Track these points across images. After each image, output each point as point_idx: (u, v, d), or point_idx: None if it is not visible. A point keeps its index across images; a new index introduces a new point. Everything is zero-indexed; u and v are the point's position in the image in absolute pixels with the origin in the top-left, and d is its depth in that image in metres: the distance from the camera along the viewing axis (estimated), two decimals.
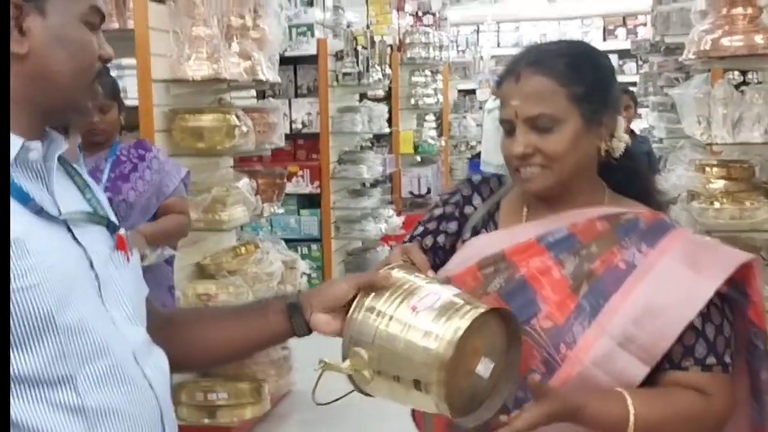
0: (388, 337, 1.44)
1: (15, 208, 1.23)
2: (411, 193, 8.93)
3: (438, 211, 1.92)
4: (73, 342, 1.26)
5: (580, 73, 1.70)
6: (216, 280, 4.24)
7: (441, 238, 1.89)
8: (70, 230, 1.32)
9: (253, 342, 1.64)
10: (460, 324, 1.40)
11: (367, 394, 1.51)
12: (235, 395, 4.16)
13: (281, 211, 5.16)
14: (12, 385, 1.20)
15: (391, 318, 1.45)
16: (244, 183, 4.32)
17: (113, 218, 1.46)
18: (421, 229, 1.92)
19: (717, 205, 3.73)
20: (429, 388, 1.40)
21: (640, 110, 9.07)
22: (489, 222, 1.85)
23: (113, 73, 3.99)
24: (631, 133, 6.20)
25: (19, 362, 1.21)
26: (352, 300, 1.49)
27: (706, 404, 1.63)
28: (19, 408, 1.22)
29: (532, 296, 1.67)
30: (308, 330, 1.54)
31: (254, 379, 4.34)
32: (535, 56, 1.72)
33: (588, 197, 1.75)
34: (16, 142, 1.27)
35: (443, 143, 9.80)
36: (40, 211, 1.27)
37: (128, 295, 1.41)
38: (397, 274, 1.53)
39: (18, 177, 1.27)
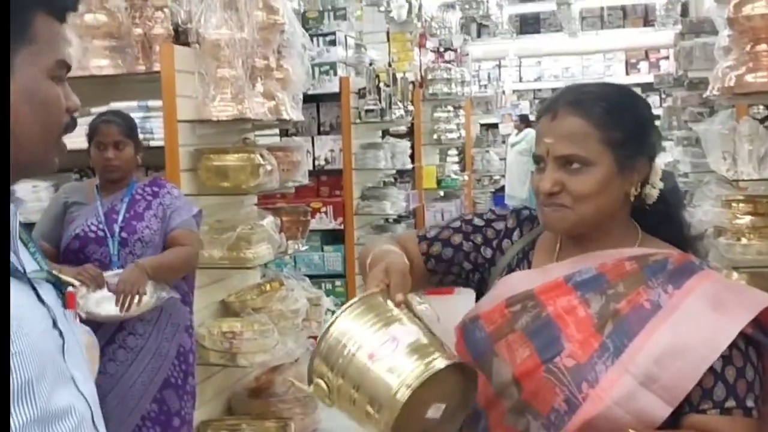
0: (350, 372, 1.49)
1: None
2: None
3: (479, 222, 1.94)
4: (47, 408, 1.22)
5: (617, 119, 1.70)
6: (241, 317, 4.26)
7: (468, 246, 1.91)
8: (34, 289, 1.29)
9: None
10: (410, 385, 1.46)
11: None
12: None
13: (306, 247, 5.17)
14: None
15: (353, 356, 1.50)
16: (269, 221, 4.35)
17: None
18: (444, 232, 1.93)
19: (744, 240, 3.70)
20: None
21: (665, 144, 9.07)
22: (523, 260, 1.87)
23: (140, 114, 4.06)
24: None
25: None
26: None
27: None
28: None
29: (556, 335, 1.67)
30: None
31: (280, 417, 4.34)
32: (574, 97, 1.73)
33: (619, 239, 1.76)
34: None
35: (466, 178, 9.81)
36: (13, 272, 1.23)
37: (81, 353, 1.37)
38: (372, 301, 1.57)
39: None
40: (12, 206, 1.26)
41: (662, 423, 1.62)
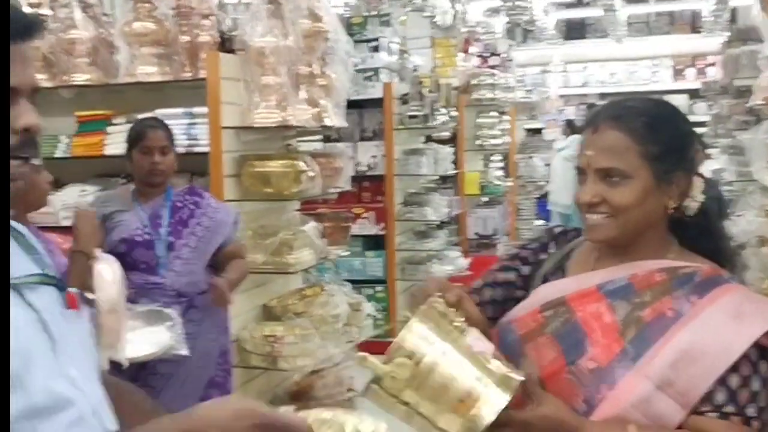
0: (439, 365, 1.54)
1: None
2: (477, 234, 8.93)
3: (515, 251, 2.04)
4: (38, 401, 1.25)
5: (656, 133, 1.75)
6: (282, 322, 4.30)
7: (512, 276, 1.99)
8: (20, 294, 1.31)
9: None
10: (508, 388, 1.55)
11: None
12: None
13: (347, 253, 5.21)
14: None
15: (444, 353, 1.55)
16: (311, 227, 4.40)
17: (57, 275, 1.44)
18: (488, 277, 2.03)
19: None
20: None
21: (711, 151, 8.97)
22: (558, 271, 1.92)
23: (185, 121, 4.13)
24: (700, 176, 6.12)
25: None
26: None
27: None
28: None
29: (581, 338, 1.74)
30: None
31: None
32: (615, 111, 1.79)
33: (654, 250, 1.80)
34: None
35: (510, 184, 9.79)
36: None
37: (83, 352, 1.41)
38: (441, 308, 1.66)
39: None
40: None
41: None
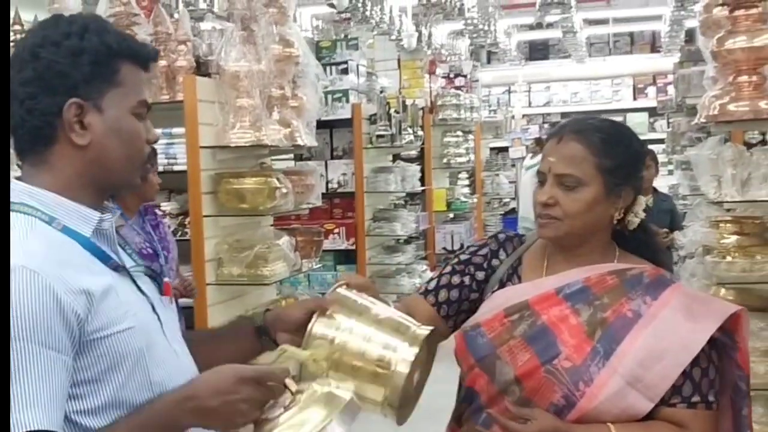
0: (347, 343, 1.67)
1: (100, 266, 1.51)
2: (444, 248, 9.13)
3: (465, 257, 2.19)
4: (156, 375, 1.52)
5: (611, 149, 1.98)
6: None
7: (467, 280, 2.15)
8: (134, 282, 1.58)
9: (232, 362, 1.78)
10: (416, 341, 1.68)
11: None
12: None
13: (319, 266, 5.38)
14: (112, 408, 1.46)
15: (350, 330, 1.69)
16: (285, 240, 4.56)
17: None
18: (442, 279, 2.18)
19: (729, 258, 3.90)
20: (387, 399, 1.65)
21: (670, 167, 9.26)
22: (513, 275, 2.12)
23: (164, 141, 4.31)
24: (654, 191, 6.39)
25: (118, 390, 1.47)
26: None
27: None
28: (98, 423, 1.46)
29: (553, 340, 1.92)
30: (276, 345, 1.75)
31: None
32: (578, 126, 2.03)
33: (601, 254, 2.03)
34: (93, 216, 1.53)
35: (476, 200, 10.00)
36: (116, 268, 1.54)
37: (178, 332, 1.67)
38: (344, 292, 1.79)
39: (97, 242, 1.54)
40: (109, 215, 1.57)
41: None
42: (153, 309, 1.59)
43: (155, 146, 1.75)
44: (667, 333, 1.87)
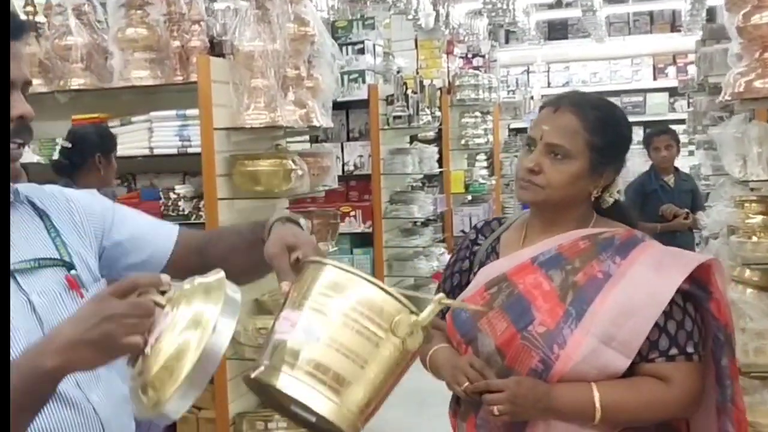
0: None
1: None
2: (463, 231, 9.06)
3: (452, 260, 2.28)
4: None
5: (603, 128, 2.02)
6: (274, 315, 4.42)
7: (456, 278, 2.23)
8: (15, 279, 1.44)
9: (259, 271, 1.72)
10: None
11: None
12: (294, 425, 4.30)
13: (335, 249, 5.35)
14: None
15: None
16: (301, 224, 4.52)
17: (78, 252, 1.57)
18: (444, 287, 2.27)
19: (755, 238, 3.83)
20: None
21: (691, 148, 9.15)
22: (492, 254, 2.17)
23: (178, 123, 4.27)
24: (676, 170, 6.30)
25: None
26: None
27: (665, 389, 1.90)
28: None
29: (527, 306, 1.97)
30: None
31: None
32: (576, 100, 2.06)
33: (577, 224, 2.07)
34: None
35: (494, 182, 9.94)
36: None
37: None
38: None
39: None
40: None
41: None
42: (33, 309, 1.45)
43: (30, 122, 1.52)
44: (636, 289, 1.91)
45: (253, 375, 1.34)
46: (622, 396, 1.91)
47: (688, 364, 1.93)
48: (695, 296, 1.94)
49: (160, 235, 1.77)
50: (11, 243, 1.45)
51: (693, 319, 1.95)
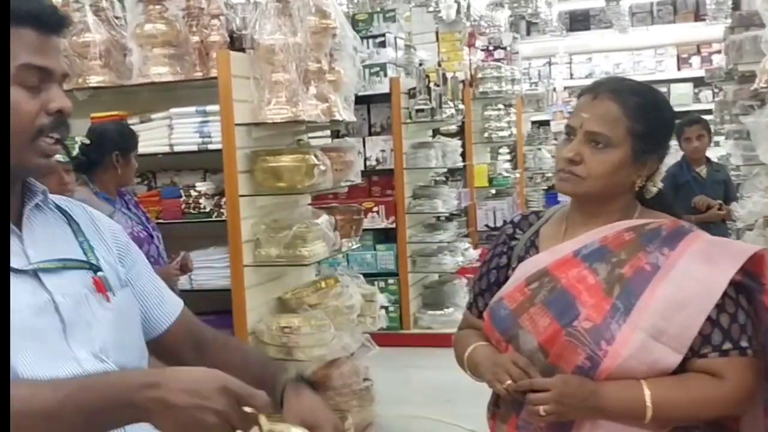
0: None
1: None
2: (487, 225, 8.98)
3: (488, 257, 2.18)
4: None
5: (645, 114, 1.92)
6: (297, 313, 4.37)
7: (493, 275, 2.13)
8: (39, 278, 1.40)
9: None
10: None
11: None
12: None
13: (358, 246, 5.28)
14: None
15: None
16: (324, 219, 4.46)
17: (105, 260, 1.53)
18: (476, 286, 2.18)
19: None
20: None
21: (718, 138, 9.01)
22: (531, 248, 2.08)
23: (198, 119, 4.21)
24: (708, 161, 6.18)
25: None
26: None
27: (718, 385, 1.81)
28: None
29: (571, 301, 1.88)
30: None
31: (338, 409, 4.44)
32: (616, 85, 1.97)
33: (620, 215, 1.97)
34: None
35: (518, 175, 9.84)
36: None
37: (101, 334, 1.45)
38: None
39: None
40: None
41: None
42: (56, 309, 1.41)
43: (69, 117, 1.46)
44: (686, 281, 1.83)
45: None
46: (674, 393, 1.82)
47: (742, 359, 1.84)
48: (748, 288, 1.85)
49: (163, 305, 1.70)
50: (35, 243, 1.43)
51: (746, 311, 1.86)
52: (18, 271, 1.38)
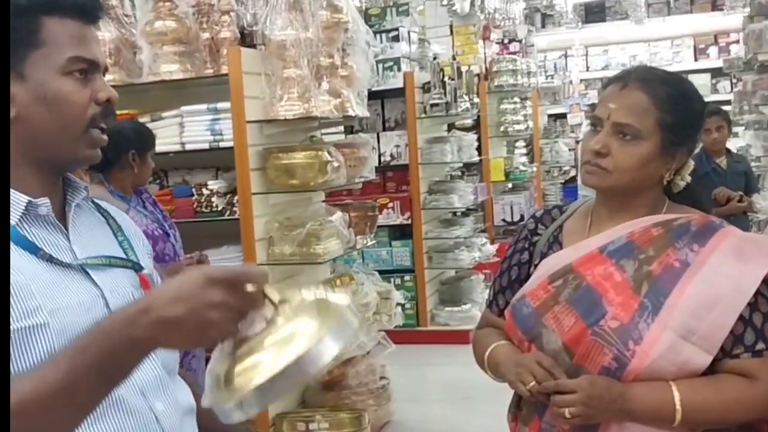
0: None
1: (24, 257, 1.33)
2: (504, 220, 8.91)
3: (510, 251, 2.11)
4: None
5: (675, 105, 1.85)
6: None
7: (514, 272, 2.06)
8: (88, 274, 1.41)
9: None
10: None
11: None
12: (336, 425, 4.22)
13: (373, 242, 5.22)
14: None
15: None
16: (338, 217, 4.41)
17: (143, 259, 1.54)
18: (497, 284, 2.12)
19: None
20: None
21: (737, 129, 8.90)
22: (554, 244, 2.02)
23: (209, 117, 4.17)
24: (728, 152, 6.09)
25: None
26: None
27: (750, 387, 1.75)
28: None
29: (597, 300, 1.82)
30: None
31: (354, 409, 4.40)
32: (645, 75, 1.90)
33: (648, 210, 1.91)
34: (20, 201, 1.37)
35: (535, 169, 9.76)
36: (50, 259, 1.37)
37: None
38: None
39: (29, 229, 1.38)
40: (45, 200, 1.40)
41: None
42: (106, 305, 1.40)
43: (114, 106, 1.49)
44: (718, 278, 1.76)
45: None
46: (705, 395, 1.76)
47: None
48: None
49: None
50: (80, 239, 1.44)
51: None
52: (65, 266, 1.39)
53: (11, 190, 1.36)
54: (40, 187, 1.40)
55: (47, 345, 1.29)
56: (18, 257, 1.32)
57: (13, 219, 1.36)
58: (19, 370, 1.26)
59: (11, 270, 1.27)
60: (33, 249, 1.36)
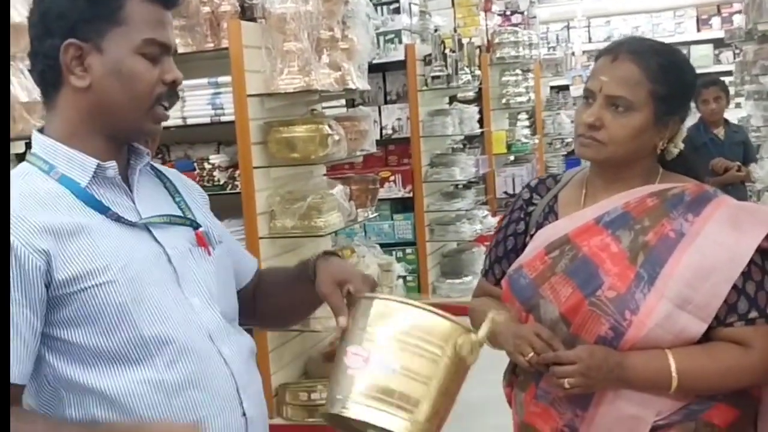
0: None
1: (95, 217, 1.48)
2: (506, 192, 8.92)
3: (505, 220, 2.15)
4: (151, 329, 1.45)
5: (667, 76, 1.87)
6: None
7: (510, 242, 2.09)
8: (150, 232, 1.54)
9: (309, 306, 1.82)
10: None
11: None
12: None
13: (375, 216, 5.25)
14: (99, 361, 1.44)
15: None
16: (339, 190, 4.43)
17: (200, 218, 1.66)
18: (492, 253, 2.15)
19: None
20: None
21: (739, 100, 8.89)
22: (549, 214, 2.04)
23: (210, 91, 4.18)
24: (726, 122, 6.09)
25: (102, 345, 1.43)
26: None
27: (744, 354, 1.79)
28: (106, 380, 1.42)
29: (594, 271, 1.85)
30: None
31: None
32: (636, 46, 1.91)
33: (642, 180, 1.94)
34: (90, 163, 1.51)
35: (537, 141, 9.75)
36: (118, 219, 1.51)
37: (207, 284, 1.59)
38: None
39: (98, 190, 1.52)
40: (113, 163, 1.53)
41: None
42: (169, 260, 1.54)
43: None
44: (713, 248, 1.79)
45: (335, 411, 1.47)
46: (700, 363, 1.80)
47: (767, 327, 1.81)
48: None
49: (246, 261, 1.89)
50: (143, 200, 1.58)
51: None
52: (131, 224, 1.52)
53: (78, 152, 1.50)
54: (107, 153, 1.53)
55: (118, 299, 1.44)
56: (88, 218, 1.47)
57: (84, 180, 1.50)
58: (96, 327, 1.43)
59: (76, 219, 1.44)
60: (102, 209, 1.50)
